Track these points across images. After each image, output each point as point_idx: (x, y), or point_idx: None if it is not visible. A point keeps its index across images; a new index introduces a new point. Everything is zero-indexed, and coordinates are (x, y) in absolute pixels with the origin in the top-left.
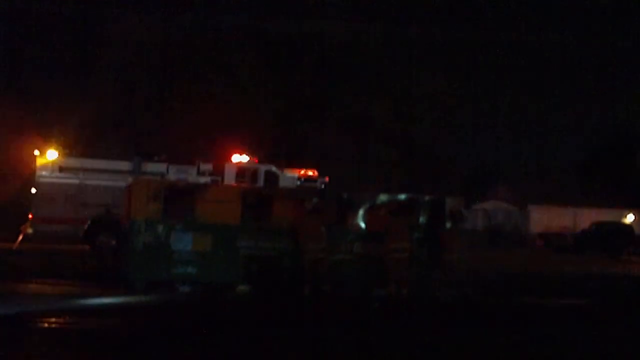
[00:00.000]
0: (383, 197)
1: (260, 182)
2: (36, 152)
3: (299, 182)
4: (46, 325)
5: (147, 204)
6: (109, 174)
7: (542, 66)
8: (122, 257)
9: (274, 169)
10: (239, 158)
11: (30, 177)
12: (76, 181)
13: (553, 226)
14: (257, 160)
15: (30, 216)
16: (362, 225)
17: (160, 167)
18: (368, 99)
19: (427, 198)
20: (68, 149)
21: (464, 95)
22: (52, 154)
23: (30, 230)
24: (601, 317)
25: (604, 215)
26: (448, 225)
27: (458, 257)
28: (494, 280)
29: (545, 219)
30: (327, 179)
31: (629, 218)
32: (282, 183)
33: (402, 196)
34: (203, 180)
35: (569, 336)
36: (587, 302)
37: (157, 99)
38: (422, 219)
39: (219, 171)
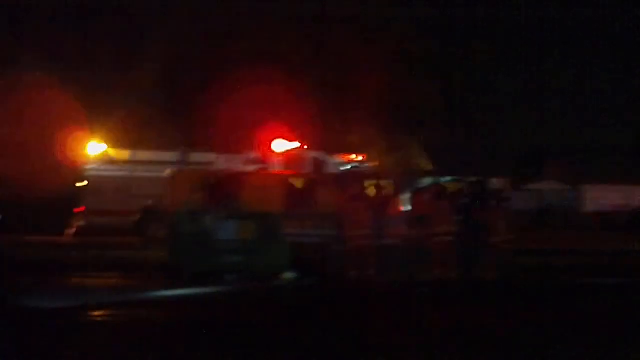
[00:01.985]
0: (428, 181)
1: (308, 168)
2: (86, 145)
3: (347, 167)
4: (97, 318)
5: (191, 194)
6: (157, 165)
7: (598, 41)
8: (169, 248)
9: (321, 155)
10: (287, 145)
11: (79, 169)
12: (125, 173)
13: (608, 205)
14: (305, 147)
15: (81, 209)
16: (408, 209)
17: (208, 156)
18: (416, 84)
19: (471, 180)
20: (117, 141)
21: (515, 72)
22: (101, 147)
23: (81, 223)
24: None
25: None
26: (492, 206)
27: (503, 238)
28: (541, 260)
29: (599, 198)
30: (377, 163)
31: None
32: (330, 169)
33: (447, 179)
34: (251, 168)
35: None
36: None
37: (204, 88)
38: (466, 202)
39: (266, 159)
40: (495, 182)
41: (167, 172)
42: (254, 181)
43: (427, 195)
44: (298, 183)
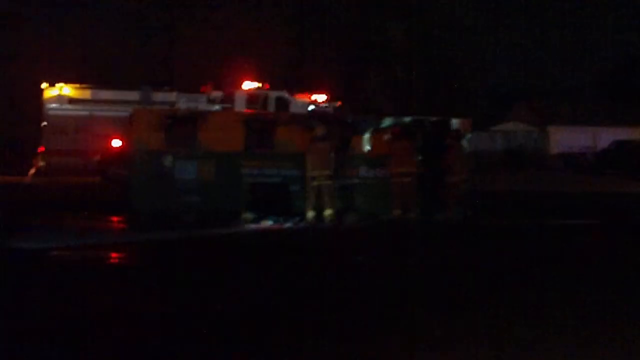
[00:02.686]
0: (388, 121)
1: (271, 108)
2: (44, 85)
3: (311, 107)
4: (54, 260)
5: (149, 134)
6: (119, 105)
7: None
8: (128, 188)
9: (285, 94)
10: (250, 85)
11: (39, 109)
12: (86, 113)
13: (574, 147)
14: (268, 86)
15: (41, 149)
16: (367, 149)
17: (170, 96)
18: (383, 21)
19: (432, 119)
20: (77, 80)
21: (482, 13)
22: (60, 86)
23: (42, 164)
24: (603, 237)
25: (626, 134)
26: (450, 146)
27: (461, 178)
28: (503, 201)
29: (565, 139)
30: (339, 103)
31: None
32: (294, 109)
33: (407, 119)
34: (214, 108)
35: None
36: (596, 222)
37: (165, 27)
38: (426, 141)
39: (229, 98)
40: (456, 122)
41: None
42: (214, 120)
43: (387, 135)
44: (259, 122)
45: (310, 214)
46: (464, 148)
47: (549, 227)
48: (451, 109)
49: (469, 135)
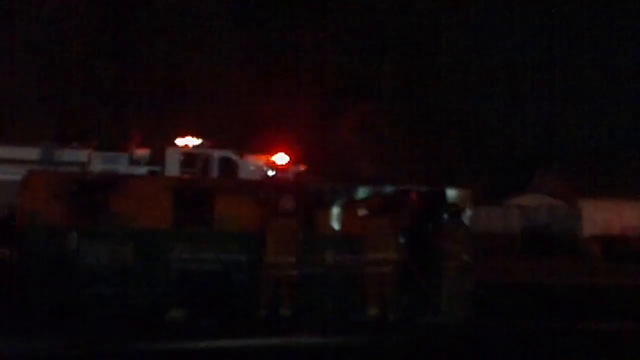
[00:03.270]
0: (363, 190)
1: (214, 172)
2: None
3: (271, 172)
4: None
5: (47, 204)
6: (14, 165)
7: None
8: (18, 274)
9: (232, 155)
10: (186, 141)
11: None
12: None
13: (613, 227)
14: (209, 144)
15: None
16: (335, 228)
17: (80, 155)
18: (367, 59)
19: (421, 190)
20: None
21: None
22: None
23: None
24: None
25: None
26: (448, 224)
27: (459, 266)
28: (521, 297)
29: (602, 218)
30: (302, 167)
31: None
32: (243, 174)
33: (389, 188)
34: (138, 171)
35: None
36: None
37: (79, 68)
38: (414, 219)
39: (158, 159)
40: (452, 194)
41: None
42: (134, 187)
43: (362, 210)
44: (194, 191)
45: (263, 312)
46: (464, 227)
47: (581, 332)
48: (452, 177)
49: (469, 212)
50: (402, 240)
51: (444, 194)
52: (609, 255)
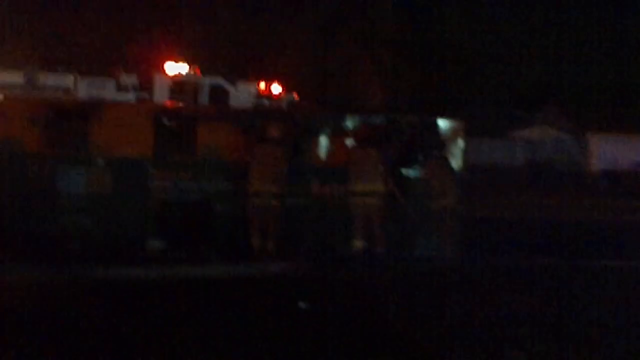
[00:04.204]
0: (351, 120)
1: (204, 99)
2: None
3: (261, 101)
4: None
5: (21, 131)
6: None
7: None
8: None
9: (222, 81)
10: (175, 67)
11: None
12: None
13: (622, 161)
14: (199, 71)
15: None
16: (321, 158)
17: (65, 79)
18: None
19: (411, 120)
20: None
21: None
22: None
23: None
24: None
25: None
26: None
27: (448, 202)
28: (517, 234)
29: (611, 151)
30: (295, 95)
31: None
32: (234, 101)
33: (377, 118)
34: (126, 97)
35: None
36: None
37: None
38: (403, 151)
39: (146, 85)
40: (445, 125)
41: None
42: (113, 114)
43: (349, 139)
44: (177, 118)
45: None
46: (446, 163)
47: (582, 268)
48: (451, 107)
49: (461, 143)
50: (390, 172)
51: (435, 125)
52: (617, 191)
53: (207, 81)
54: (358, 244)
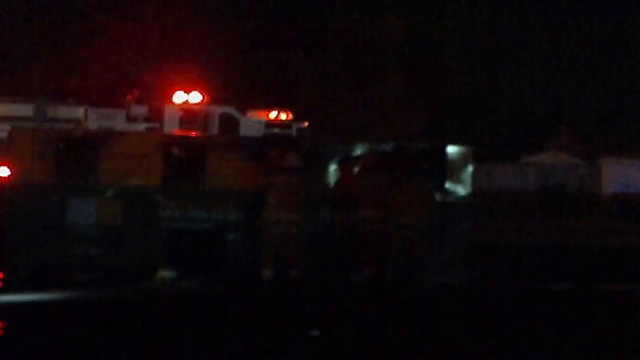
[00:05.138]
0: (361, 147)
1: (214, 129)
2: None
3: (273, 129)
4: None
5: (32, 162)
6: (5, 122)
7: None
8: (5, 233)
9: (232, 110)
10: (185, 97)
11: None
12: None
13: (635, 186)
14: (208, 100)
15: None
16: (331, 185)
17: (76, 111)
18: (374, 17)
19: (419, 147)
20: None
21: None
22: None
23: None
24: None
25: None
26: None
27: (459, 228)
28: (526, 258)
29: (624, 176)
30: (305, 124)
31: None
32: (244, 130)
33: (388, 145)
34: (137, 128)
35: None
36: None
37: (75, 18)
38: (411, 177)
39: (157, 115)
40: (453, 151)
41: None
42: (123, 145)
43: (358, 166)
44: (186, 147)
45: (267, 273)
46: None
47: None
48: (465, 134)
49: (470, 168)
50: (399, 198)
51: (443, 151)
52: (630, 216)
53: (217, 110)
54: (368, 270)
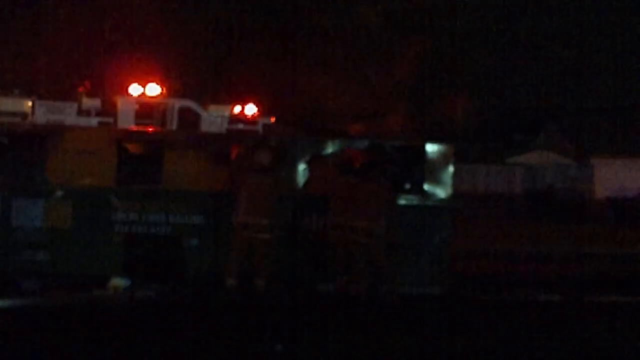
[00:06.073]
0: (332, 145)
1: (173, 123)
2: None
3: (237, 124)
4: None
5: None
6: None
7: None
8: None
9: (193, 104)
10: (142, 89)
11: None
12: None
13: (629, 188)
14: (167, 93)
15: None
16: (300, 186)
17: (21, 104)
18: (347, 5)
19: (395, 144)
20: None
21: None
22: None
23: None
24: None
25: None
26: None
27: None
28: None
29: (617, 177)
30: (272, 119)
31: None
32: (206, 126)
33: (362, 143)
34: (89, 122)
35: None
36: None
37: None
38: (386, 177)
39: (110, 109)
40: (433, 150)
41: None
42: (73, 141)
43: (330, 166)
44: (142, 144)
45: (231, 282)
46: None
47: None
48: (446, 133)
49: (451, 168)
50: (358, 200)
51: (421, 150)
52: (623, 221)
53: (176, 104)
54: (339, 281)
